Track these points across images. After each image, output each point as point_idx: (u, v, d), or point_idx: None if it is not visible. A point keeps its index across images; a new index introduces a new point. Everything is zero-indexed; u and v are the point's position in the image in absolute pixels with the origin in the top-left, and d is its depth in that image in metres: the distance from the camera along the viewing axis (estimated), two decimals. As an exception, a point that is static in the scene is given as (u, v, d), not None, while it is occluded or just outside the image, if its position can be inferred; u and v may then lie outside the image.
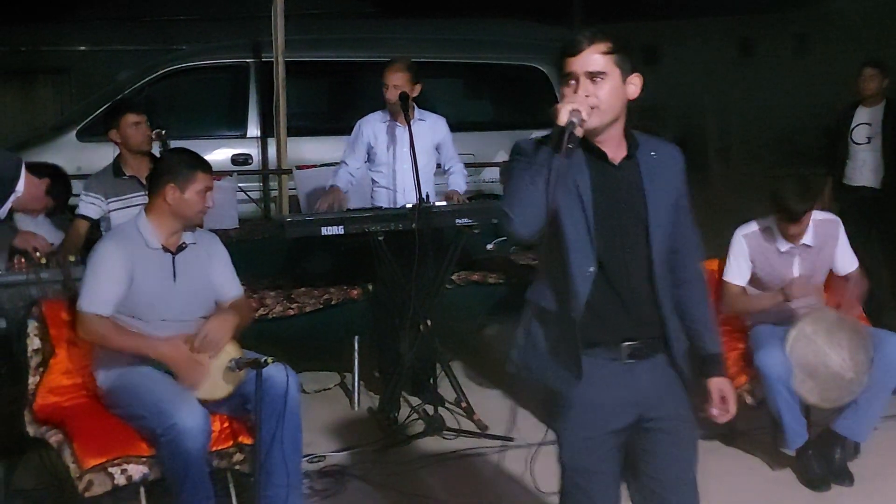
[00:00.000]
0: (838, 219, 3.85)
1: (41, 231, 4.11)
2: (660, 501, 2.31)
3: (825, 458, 3.63)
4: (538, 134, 2.17)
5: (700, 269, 2.39)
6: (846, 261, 3.80)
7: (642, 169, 2.24)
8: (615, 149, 2.24)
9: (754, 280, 3.80)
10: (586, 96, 2.14)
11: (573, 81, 2.17)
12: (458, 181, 4.65)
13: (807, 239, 3.72)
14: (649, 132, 3.09)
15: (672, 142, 2.37)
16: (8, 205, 2.88)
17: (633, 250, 2.23)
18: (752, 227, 3.78)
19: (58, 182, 4.24)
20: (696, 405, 2.35)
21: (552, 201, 2.04)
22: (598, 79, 2.15)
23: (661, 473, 2.30)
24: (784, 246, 3.72)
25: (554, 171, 2.04)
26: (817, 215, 3.77)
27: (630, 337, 2.24)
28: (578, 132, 2.10)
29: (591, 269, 2.18)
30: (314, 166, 5.85)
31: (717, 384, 2.34)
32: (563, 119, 2.07)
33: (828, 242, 3.76)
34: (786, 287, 3.66)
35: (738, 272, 3.76)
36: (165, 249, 3.18)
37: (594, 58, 2.15)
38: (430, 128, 4.53)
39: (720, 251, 3.84)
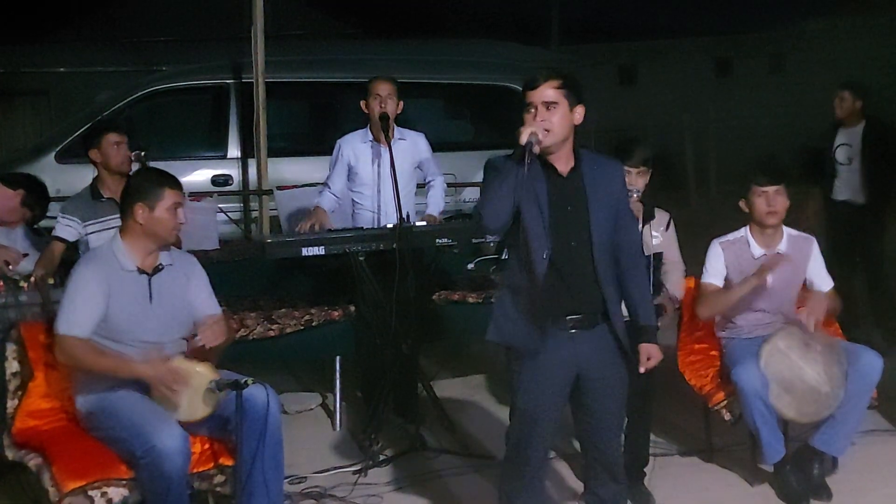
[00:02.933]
0: (813, 238, 3.90)
1: (16, 245, 4.09)
2: (594, 429, 2.98)
3: (803, 473, 3.65)
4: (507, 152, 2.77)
5: (640, 258, 2.99)
6: (821, 279, 3.83)
7: (585, 180, 2.84)
8: (564, 163, 2.84)
9: (728, 287, 3.83)
10: (542, 121, 2.75)
11: (532, 109, 2.78)
12: (437, 199, 4.64)
13: (781, 246, 3.77)
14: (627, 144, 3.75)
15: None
16: None
17: (579, 242, 2.81)
18: (727, 236, 3.84)
19: (33, 192, 4.21)
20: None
21: (516, 202, 2.70)
22: (552, 108, 2.77)
23: (595, 410, 2.95)
24: (758, 252, 3.77)
25: (518, 179, 2.67)
26: (792, 231, 3.84)
27: (573, 311, 2.82)
28: (536, 149, 2.72)
29: (546, 253, 2.76)
30: (295, 187, 5.85)
31: (646, 348, 2.98)
32: (523, 139, 2.70)
33: (801, 256, 3.81)
34: (760, 268, 3.65)
35: (713, 273, 3.80)
36: (141, 271, 3.16)
37: (548, 91, 2.78)
38: (411, 146, 4.53)
39: (698, 269, 3.88)
